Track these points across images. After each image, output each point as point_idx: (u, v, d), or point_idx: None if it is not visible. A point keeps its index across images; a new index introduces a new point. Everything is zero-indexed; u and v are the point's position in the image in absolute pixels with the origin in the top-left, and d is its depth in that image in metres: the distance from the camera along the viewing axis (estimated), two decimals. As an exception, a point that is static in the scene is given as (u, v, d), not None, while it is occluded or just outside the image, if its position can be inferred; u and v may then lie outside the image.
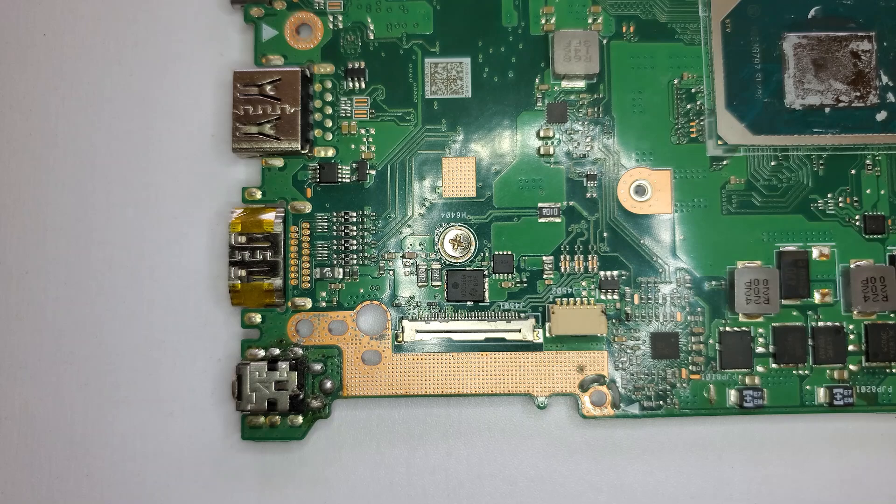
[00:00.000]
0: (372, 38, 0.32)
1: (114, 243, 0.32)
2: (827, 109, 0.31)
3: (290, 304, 0.31)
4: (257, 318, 0.31)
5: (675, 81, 0.32)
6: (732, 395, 0.31)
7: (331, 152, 0.31)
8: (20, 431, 0.31)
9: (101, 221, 0.32)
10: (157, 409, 0.31)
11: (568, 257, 0.31)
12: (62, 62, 0.33)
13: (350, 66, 0.32)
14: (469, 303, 0.31)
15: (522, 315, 0.31)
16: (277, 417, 0.30)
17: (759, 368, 0.31)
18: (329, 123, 0.32)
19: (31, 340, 0.32)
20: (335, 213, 0.31)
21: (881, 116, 0.31)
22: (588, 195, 0.32)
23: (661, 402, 0.31)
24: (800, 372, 0.31)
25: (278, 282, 0.30)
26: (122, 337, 0.32)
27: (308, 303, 0.31)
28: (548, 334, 0.31)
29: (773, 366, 0.31)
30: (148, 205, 0.32)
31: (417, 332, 0.31)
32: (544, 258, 0.31)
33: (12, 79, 0.33)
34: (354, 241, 0.31)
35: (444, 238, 0.31)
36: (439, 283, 0.31)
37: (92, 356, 0.32)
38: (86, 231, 0.32)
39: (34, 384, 0.31)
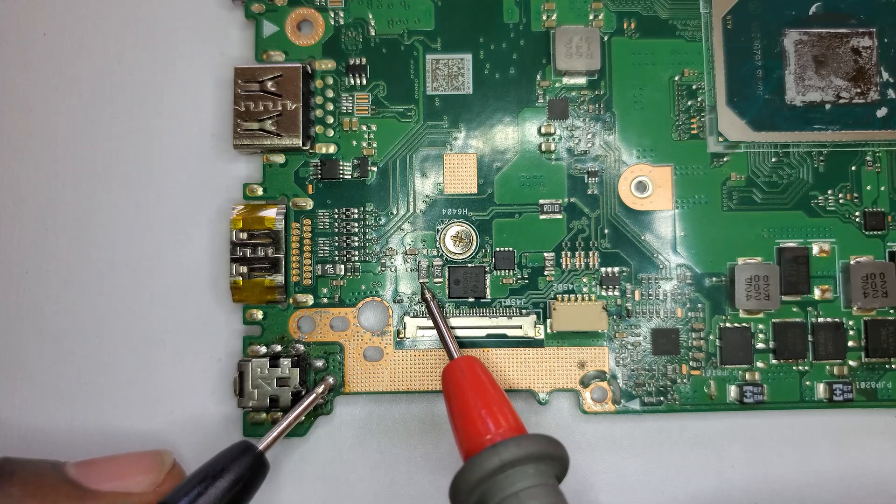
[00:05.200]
0: (373, 34, 0.32)
1: (114, 243, 0.32)
2: (827, 106, 0.31)
3: (291, 300, 0.31)
4: (259, 314, 0.31)
5: (676, 78, 0.32)
6: (733, 391, 0.31)
7: (332, 149, 0.31)
8: (20, 431, 0.31)
9: (102, 221, 0.32)
10: (157, 409, 0.31)
11: (569, 254, 0.31)
12: (62, 62, 0.33)
13: (351, 62, 0.32)
14: (471, 299, 0.31)
15: (524, 311, 0.31)
16: (279, 414, 0.30)
17: (760, 364, 0.31)
18: (330, 120, 0.32)
19: (31, 340, 0.32)
20: (336, 210, 0.31)
21: (881, 113, 0.31)
22: (589, 192, 0.32)
23: (661, 398, 0.31)
24: (800, 368, 0.31)
25: (280, 278, 0.30)
26: (122, 337, 0.32)
27: (310, 299, 0.31)
28: (549, 330, 0.31)
29: (774, 362, 0.31)
30: (148, 204, 0.32)
31: (419, 328, 0.31)
32: (545, 255, 0.31)
33: (12, 79, 0.33)
34: (356, 238, 0.31)
35: (445, 235, 0.31)
36: (441, 280, 0.31)
37: (92, 356, 0.32)
38: (86, 231, 0.32)
39: (34, 384, 0.31)
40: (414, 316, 0.31)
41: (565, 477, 0.27)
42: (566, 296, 0.31)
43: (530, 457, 0.25)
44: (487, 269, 0.31)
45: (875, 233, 0.32)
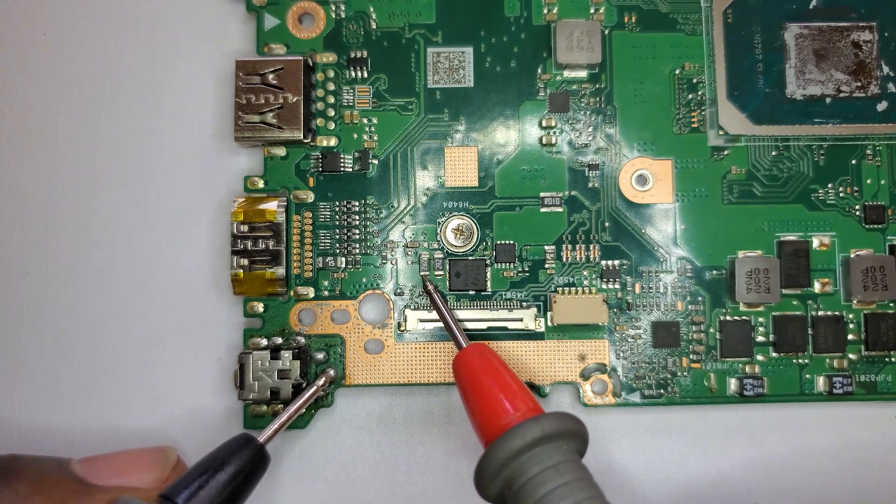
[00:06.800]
0: (374, 27, 0.32)
1: (115, 242, 0.32)
2: (828, 100, 0.31)
3: (292, 293, 0.31)
4: (259, 307, 0.31)
5: (677, 72, 0.32)
6: (733, 384, 0.31)
7: (333, 141, 0.31)
8: (20, 431, 0.31)
9: (102, 221, 0.32)
10: (157, 409, 0.31)
11: (569, 247, 0.31)
12: (62, 62, 0.33)
13: (352, 55, 0.32)
14: (471, 292, 0.31)
15: (524, 304, 0.31)
16: (280, 406, 0.30)
17: (760, 357, 0.31)
18: (331, 113, 0.32)
19: (31, 340, 0.32)
20: (337, 203, 0.31)
21: (882, 107, 0.32)
22: (590, 185, 0.32)
23: (661, 391, 0.31)
24: (800, 361, 0.31)
25: (281, 271, 0.30)
26: (122, 337, 0.32)
27: (310, 292, 0.31)
28: (549, 323, 0.31)
29: (774, 355, 0.31)
30: (149, 202, 0.32)
31: (420, 321, 0.31)
32: (546, 248, 0.31)
33: (12, 79, 0.33)
34: (357, 231, 0.31)
35: (446, 227, 0.31)
36: (442, 273, 0.31)
37: (92, 356, 0.32)
38: (86, 231, 0.32)
39: (34, 384, 0.31)
40: (415, 309, 0.31)
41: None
42: (567, 289, 0.31)
43: (566, 432, 0.25)
44: (488, 261, 0.31)
45: (875, 226, 0.32)
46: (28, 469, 0.26)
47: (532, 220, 0.31)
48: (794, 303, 0.31)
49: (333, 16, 0.32)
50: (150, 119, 0.32)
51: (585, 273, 0.31)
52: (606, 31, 0.32)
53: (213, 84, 0.33)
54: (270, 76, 0.31)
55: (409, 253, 0.31)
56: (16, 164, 0.32)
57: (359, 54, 0.32)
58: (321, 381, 0.30)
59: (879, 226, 0.32)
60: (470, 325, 0.31)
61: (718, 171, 0.32)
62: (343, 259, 0.31)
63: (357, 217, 0.31)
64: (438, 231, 0.31)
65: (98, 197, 0.32)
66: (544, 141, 0.32)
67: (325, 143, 0.31)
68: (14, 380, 0.31)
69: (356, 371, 0.31)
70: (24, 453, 0.27)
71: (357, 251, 0.31)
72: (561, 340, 0.31)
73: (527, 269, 0.31)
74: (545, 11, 0.32)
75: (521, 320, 0.31)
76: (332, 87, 0.32)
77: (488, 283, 0.31)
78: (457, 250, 0.31)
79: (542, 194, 0.31)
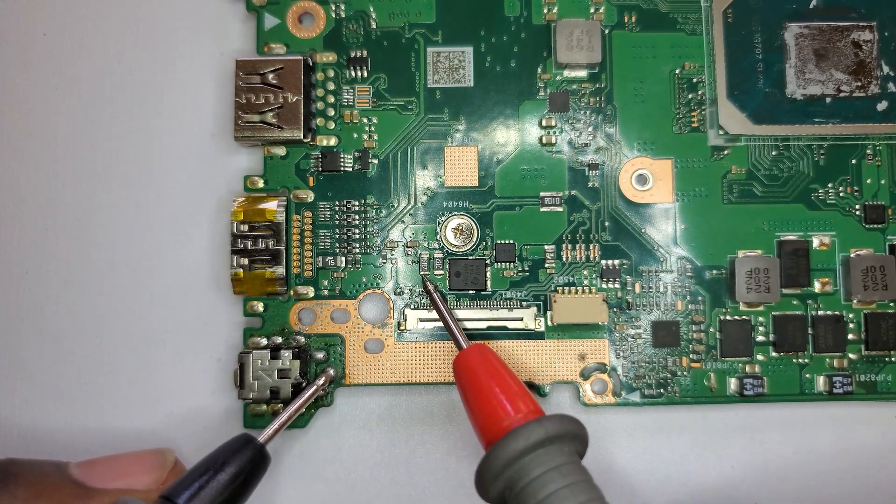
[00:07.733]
0: (374, 26, 0.32)
1: (115, 242, 0.32)
2: (828, 99, 0.31)
3: (292, 292, 0.31)
4: (259, 306, 0.31)
5: (677, 71, 0.32)
6: (733, 384, 0.31)
7: (333, 141, 0.31)
8: (20, 431, 0.31)
9: (102, 221, 0.32)
10: (157, 409, 0.31)
11: (569, 246, 0.31)
12: (62, 62, 0.33)
13: (352, 54, 0.32)
14: (471, 292, 0.31)
15: (524, 304, 0.31)
16: (280, 406, 0.30)
17: (760, 357, 0.31)
18: (331, 112, 0.32)
19: (31, 340, 0.32)
20: (337, 202, 0.31)
21: (882, 106, 0.32)
22: (590, 184, 0.32)
23: (661, 391, 0.31)
24: (800, 360, 0.31)
25: (281, 270, 0.30)
26: (122, 337, 0.32)
27: (310, 291, 0.31)
28: (549, 323, 0.31)
29: (774, 354, 0.31)
30: (149, 202, 0.32)
31: (420, 320, 0.31)
32: (546, 247, 0.31)
33: (12, 79, 0.33)
34: (357, 230, 0.31)
35: (446, 227, 0.31)
36: (442, 272, 0.31)
37: (92, 356, 0.32)
38: (86, 231, 0.32)
39: (34, 384, 0.31)
40: (415, 308, 0.31)
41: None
42: (567, 288, 0.31)
43: (568, 434, 0.25)
44: (488, 261, 0.31)
45: (875, 226, 0.32)
46: (26, 473, 0.26)
47: (532, 219, 0.31)
48: (794, 302, 0.31)
49: (333, 15, 0.32)
50: (150, 119, 0.32)
51: (585, 273, 0.31)
52: (606, 31, 0.32)
53: (213, 84, 0.33)
54: (270, 76, 0.31)
55: (409, 252, 0.31)
56: (16, 164, 0.32)
57: (359, 54, 0.32)
58: (321, 381, 0.30)
59: (879, 225, 0.32)
60: (470, 325, 0.31)
61: (718, 171, 0.32)
62: (343, 258, 0.31)
63: (357, 217, 0.31)
64: (438, 231, 0.31)
65: (98, 197, 0.32)
66: (544, 140, 0.32)
67: (324, 143, 0.31)
68: (14, 380, 0.31)
69: (356, 370, 0.31)
70: (23, 457, 0.27)
71: (357, 251, 0.31)
72: (561, 340, 0.31)
73: (527, 268, 0.31)
74: (545, 11, 0.32)
75: (521, 320, 0.31)
76: (331, 86, 0.32)
77: (488, 283, 0.31)
78: (457, 250, 0.31)
79: (542, 194, 0.31)
